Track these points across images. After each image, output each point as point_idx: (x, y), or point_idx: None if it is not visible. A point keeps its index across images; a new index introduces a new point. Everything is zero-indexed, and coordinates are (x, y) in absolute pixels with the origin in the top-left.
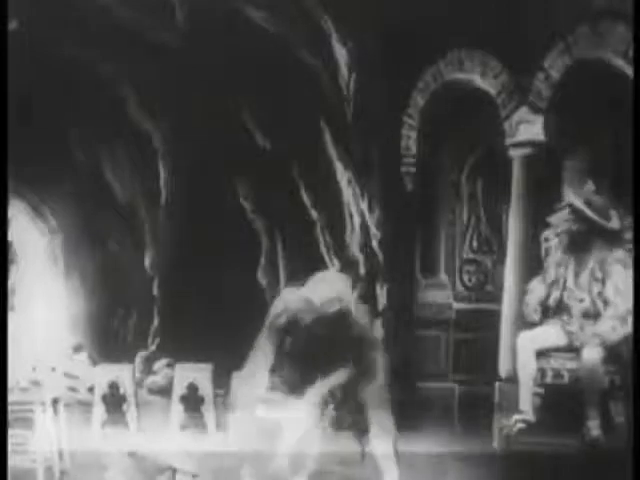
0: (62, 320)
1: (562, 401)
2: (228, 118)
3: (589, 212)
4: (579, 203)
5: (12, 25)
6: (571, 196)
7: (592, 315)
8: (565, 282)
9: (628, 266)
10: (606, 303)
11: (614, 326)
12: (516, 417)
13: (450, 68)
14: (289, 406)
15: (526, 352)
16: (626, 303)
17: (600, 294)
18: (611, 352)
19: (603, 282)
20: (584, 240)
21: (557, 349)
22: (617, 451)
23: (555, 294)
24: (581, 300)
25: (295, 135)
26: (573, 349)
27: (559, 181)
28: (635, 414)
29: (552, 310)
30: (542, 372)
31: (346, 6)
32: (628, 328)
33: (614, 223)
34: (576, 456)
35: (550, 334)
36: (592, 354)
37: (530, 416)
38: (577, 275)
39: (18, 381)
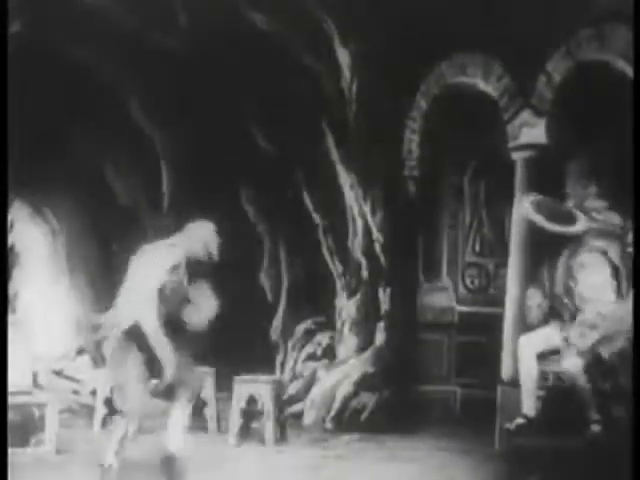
0: (64, 323)
1: (563, 403)
2: (230, 121)
3: (545, 223)
4: (532, 215)
5: (13, 27)
6: (522, 208)
7: (568, 322)
8: (552, 288)
9: (593, 269)
10: (577, 309)
11: (582, 332)
12: (518, 420)
13: (452, 71)
14: None
15: (526, 355)
16: (593, 308)
17: (571, 300)
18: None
19: (572, 288)
20: (553, 247)
21: (556, 352)
22: (617, 450)
23: (545, 300)
24: (563, 306)
25: (297, 138)
26: None
27: (562, 184)
28: (635, 414)
29: (548, 315)
30: (544, 375)
31: (348, 8)
32: (597, 335)
33: (579, 227)
34: (576, 456)
35: (550, 337)
36: (572, 363)
37: (532, 418)
38: (555, 282)
39: (20, 384)
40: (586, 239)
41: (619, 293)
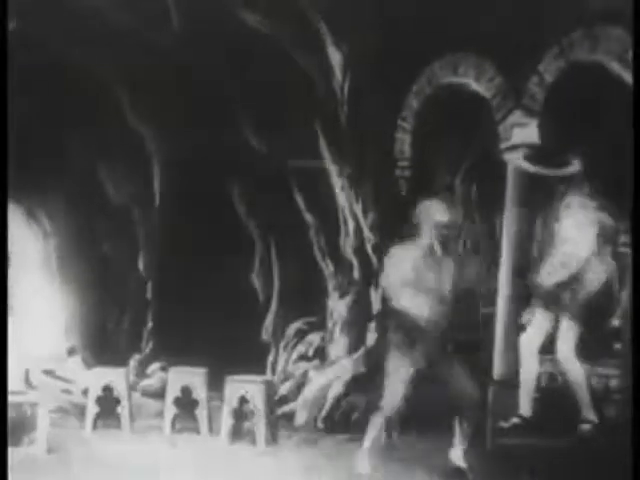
0: (56, 323)
1: (556, 403)
2: (223, 121)
3: (539, 170)
4: (526, 165)
5: (12, 25)
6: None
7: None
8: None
9: (577, 213)
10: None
11: (549, 271)
12: (514, 420)
13: (445, 71)
14: None
15: (528, 353)
16: (567, 248)
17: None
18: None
19: (555, 231)
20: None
21: (552, 344)
22: (609, 449)
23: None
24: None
25: (289, 138)
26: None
27: (553, 184)
28: (634, 413)
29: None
30: (538, 375)
31: (341, 9)
32: (565, 273)
33: (573, 168)
34: (568, 456)
35: (542, 324)
36: (565, 351)
37: (528, 419)
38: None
39: (12, 383)
40: (578, 184)
41: (600, 253)
